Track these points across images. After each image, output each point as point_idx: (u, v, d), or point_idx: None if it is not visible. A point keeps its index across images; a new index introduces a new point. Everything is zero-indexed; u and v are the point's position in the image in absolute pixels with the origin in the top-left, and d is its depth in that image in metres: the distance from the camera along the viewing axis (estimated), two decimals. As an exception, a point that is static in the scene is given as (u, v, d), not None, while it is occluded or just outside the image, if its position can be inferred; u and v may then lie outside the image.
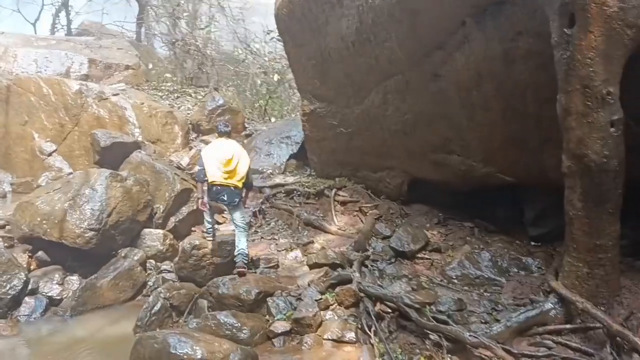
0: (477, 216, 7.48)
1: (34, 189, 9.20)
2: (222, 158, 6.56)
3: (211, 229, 7.24)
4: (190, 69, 15.51)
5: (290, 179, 10.22)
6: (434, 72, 6.42)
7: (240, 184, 6.69)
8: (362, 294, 5.78)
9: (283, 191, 9.57)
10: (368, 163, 8.74)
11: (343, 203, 8.93)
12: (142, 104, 11.29)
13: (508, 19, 5.38)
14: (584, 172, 4.54)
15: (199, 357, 4.58)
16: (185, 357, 4.59)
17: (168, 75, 14.92)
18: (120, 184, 7.72)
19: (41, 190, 8.02)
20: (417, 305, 5.34)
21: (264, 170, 10.83)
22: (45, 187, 8.30)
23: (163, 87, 13.94)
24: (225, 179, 6.57)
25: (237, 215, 6.78)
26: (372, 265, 6.56)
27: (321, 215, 8.67)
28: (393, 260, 6.75)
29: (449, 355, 4.95)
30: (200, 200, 6.85)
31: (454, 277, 6.29)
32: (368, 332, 5.45)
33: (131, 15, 18.97)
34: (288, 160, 11.15)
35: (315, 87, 8.84)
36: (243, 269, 6.51)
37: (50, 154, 10.61)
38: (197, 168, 7.08)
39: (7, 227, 7.91)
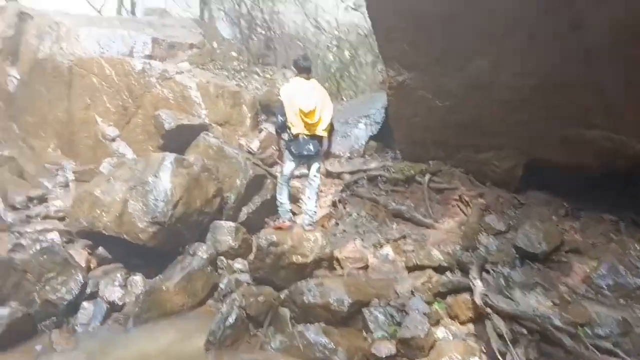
0: (619, 206, 5.93)
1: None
2: (305, 109, 5.95)
3: (288, 212, 6.30)
4: (257, 46, 14.48)
5: (372, 164, 8.97)
6: (575, 20, 4.92)
7: (325, 133, 6.20)
8: (488, 310, 4.50)
9: (365, 177, 8.36)
10: (470, 142, 7.31)
11: (439, 191, 7.57)
12: (208, 82, 10.33)
13: None
14: None
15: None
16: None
17: (234, 53, 13.95)
18: (186, 170, 6.77)
19: (100, 179, 7.21)
20: (572, 329, 4.02)
21: (341, 154, 9.67)
22: (105, 175, 7.48)
23: (229, 67, 12.98)
24: (310, 130, 6.04)
25: (315, 167, 6.38)
26: (493, 270, 5.20)
27: (412, 205, 7.40)
28: (519, 263, 5.37)
29: (624, 401, 3.64)
30: (278, 153, 6.57)
31: (605, 287, 4.88)
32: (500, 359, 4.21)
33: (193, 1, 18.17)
34: (368, 142, 9.89)
35: (404, 53, 7.47)
36: (310, 227, 6.23)
37: (114, 139, 9.88)
38: (279, 118, 6.20)
39: (67, 219, 7.17)
